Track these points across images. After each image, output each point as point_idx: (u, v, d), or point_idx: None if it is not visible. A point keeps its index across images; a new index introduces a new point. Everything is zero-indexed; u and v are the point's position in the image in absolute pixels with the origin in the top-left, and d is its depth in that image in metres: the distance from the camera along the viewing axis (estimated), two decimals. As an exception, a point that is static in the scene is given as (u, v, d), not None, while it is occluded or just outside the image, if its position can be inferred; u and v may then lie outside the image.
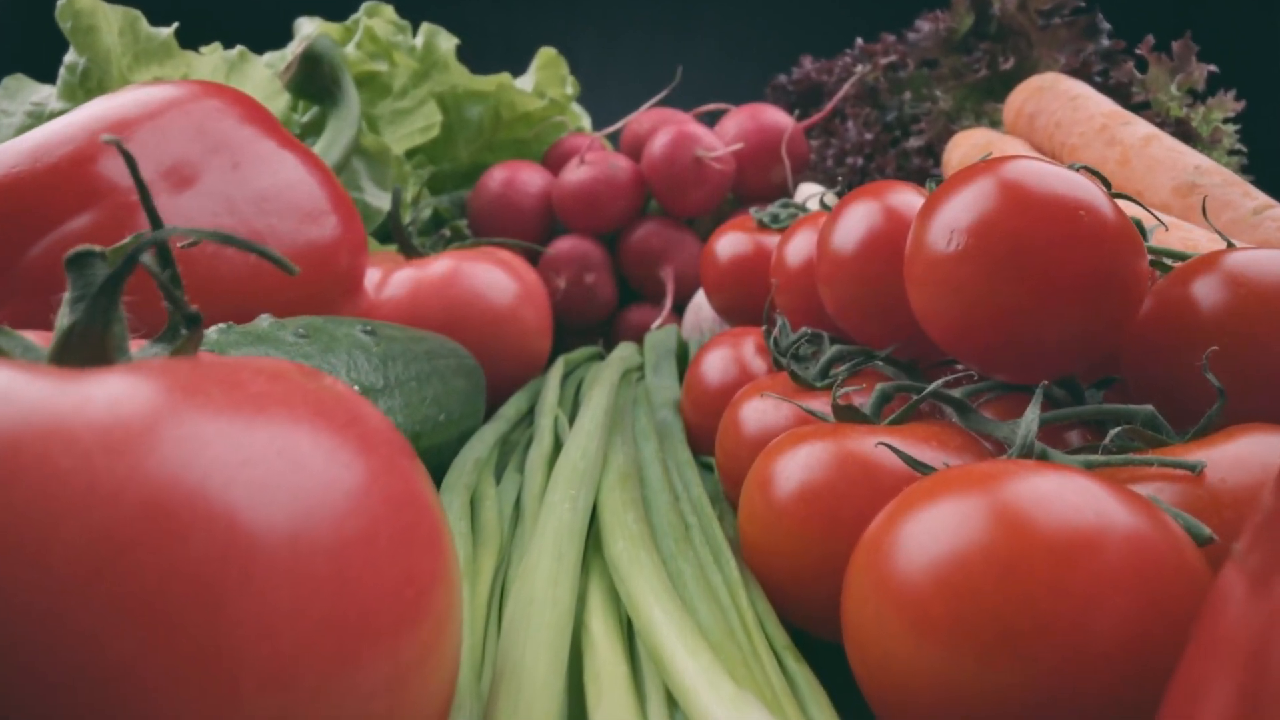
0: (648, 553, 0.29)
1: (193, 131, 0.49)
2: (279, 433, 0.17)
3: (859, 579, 0.26)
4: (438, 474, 0.44)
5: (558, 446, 0.48)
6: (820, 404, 0.40)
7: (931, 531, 0.24)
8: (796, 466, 0.32)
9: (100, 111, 0.49)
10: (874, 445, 0.30)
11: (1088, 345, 0.34)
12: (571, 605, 0.27)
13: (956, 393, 0.35)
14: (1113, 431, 0.30)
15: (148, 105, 0.49)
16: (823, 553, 0.30)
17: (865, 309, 0.43)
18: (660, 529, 0.33)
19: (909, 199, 0.42)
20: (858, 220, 0.43)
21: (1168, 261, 0.39)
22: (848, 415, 0.34)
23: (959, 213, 0.34)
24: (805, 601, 0.32)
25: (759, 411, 0.40)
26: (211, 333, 0.38)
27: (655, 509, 0.35)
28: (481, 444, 0.46)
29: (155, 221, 0.22)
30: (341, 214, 0.54)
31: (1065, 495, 0.24)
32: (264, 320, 0.41)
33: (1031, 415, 0.27)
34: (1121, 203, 0.36)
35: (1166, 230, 0.50)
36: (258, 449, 0.17)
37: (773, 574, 0.32)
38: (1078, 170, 0.35)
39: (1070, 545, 0.23)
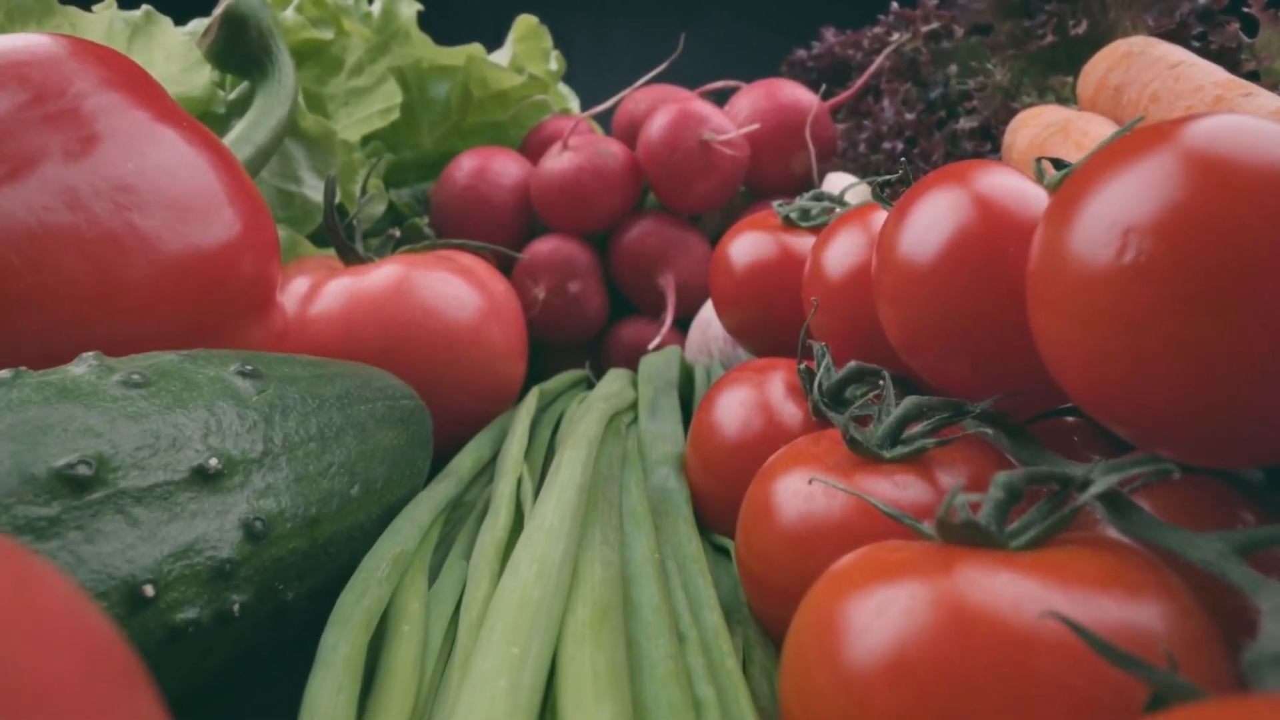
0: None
1: (28, 99, 0.36)
2: None
3: None
4: (346, 574, 0.31)
5: (519, 524, 0.35)
6: (891, 486, 0.27)
7: None
8: (887, 625, 0.19)
9: (-99, 71, 0.36)
10: (1035, 614, 0.17)
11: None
12: None
13: (1093, 475, 0.23)
14: None
15: (-33, 62, 0.36)
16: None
17: (951, 342, 0.30)
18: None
19: (1012, 184, 0.30)
20: (938, 216, 0.30)
21: None
22: (960, 533, 0.21)
23: (1130, 205, 0.21)
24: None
25: (801, 497, 0.28)
26: (-13, 385, 0.25)
27: (648, 668, 0.22)
28: (411, 526, 0.33)
29: None
30: (244, 209, 0.42)
31: None
32: (82, 362, 0.28)
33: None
34: None
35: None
36: None
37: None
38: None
39: None
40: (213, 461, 0.28)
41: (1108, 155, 0.23)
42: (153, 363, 0.30)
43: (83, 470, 0.24)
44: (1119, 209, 0.22)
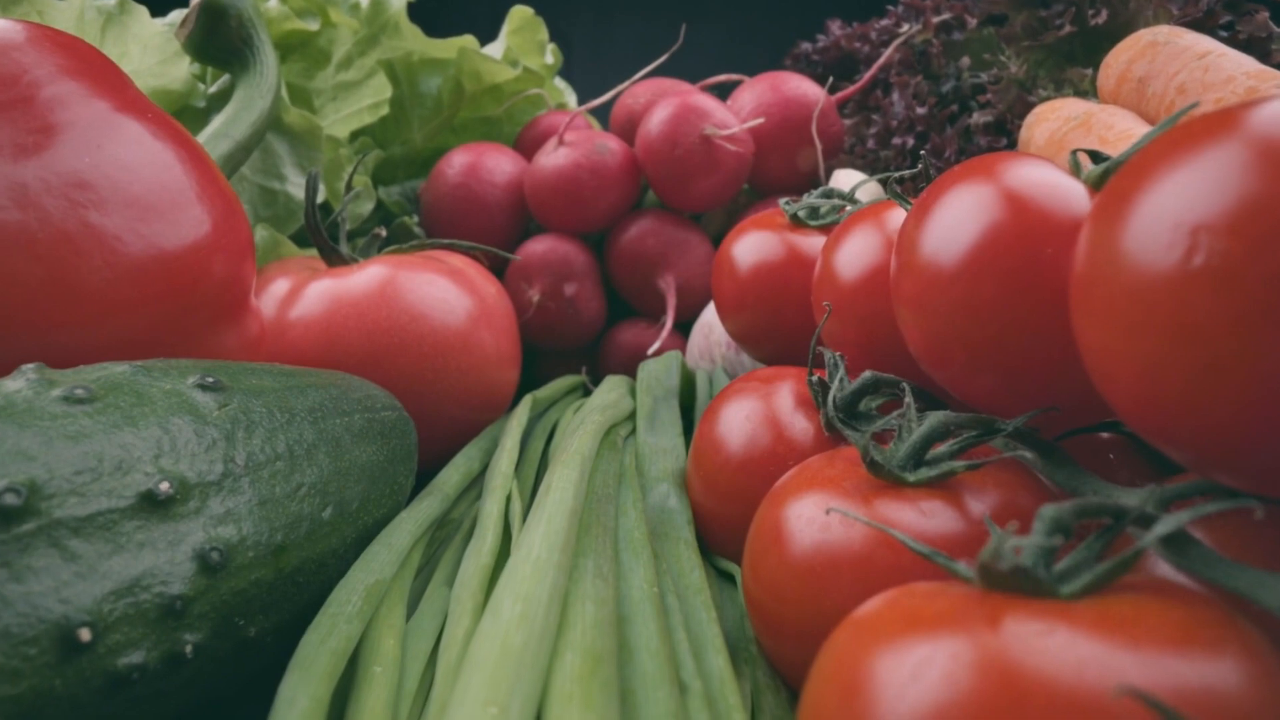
0: None
1: (-23, 86, 0.34)
2: None
3: None
4: (318, 603, 0.28)
5: (507, 548, 0.32)
6: (916, 514, 0.25)
7: None
8: (925, 691, 0.16)
9: None
10: (1100, 680, 0.15)
11: None
12: None
13: (1149, 506, 0.20)
14: None
15: (-89, 48, 0.34)
16: None
17: (979, 352, 0.27)
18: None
19: (1046, 179, 0.27)
20: (965, 213, 0.27)
21: None
22: (1005, 579, 0.18)
23: (1198, 201, 0.19)
24: None
25: (816, 525, 0.25)
26: (-96, 402, 0.23)
27: (646, 727, 0.20)
28: (389, 552, 0.31)
29: None
30: (214, 206, 0.39)
31: None
32: (20, 375, 0.26)
33: None
34: None
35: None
36: None
37: None
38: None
39: None
40: (164, 485, 0.25)
41: (1163, 146, 0.21)
42: (101, 375, 0.27)
43: (10, 499, 0.22)
44: (1184, 206, 0.19)
